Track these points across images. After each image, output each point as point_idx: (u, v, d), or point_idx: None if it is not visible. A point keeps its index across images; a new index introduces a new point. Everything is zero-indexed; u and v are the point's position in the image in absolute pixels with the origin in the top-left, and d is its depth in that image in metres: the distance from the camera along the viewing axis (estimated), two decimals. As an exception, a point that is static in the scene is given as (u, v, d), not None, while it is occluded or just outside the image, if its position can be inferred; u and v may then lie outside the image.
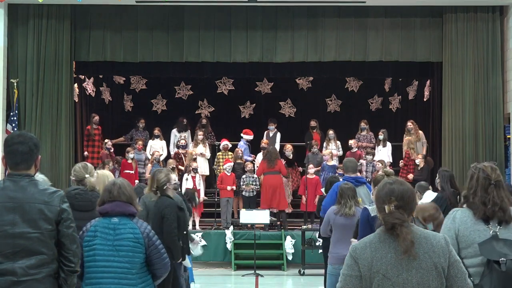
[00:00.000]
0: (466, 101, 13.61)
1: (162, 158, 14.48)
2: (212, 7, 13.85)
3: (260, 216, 12.65)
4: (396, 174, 9.21)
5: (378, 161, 13.61)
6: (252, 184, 13.65)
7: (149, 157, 14.37)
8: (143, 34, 13.88)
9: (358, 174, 9.99)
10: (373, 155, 13.98)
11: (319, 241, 10.77)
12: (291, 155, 14.51)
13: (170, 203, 6.55)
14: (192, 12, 13.89)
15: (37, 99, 13.59)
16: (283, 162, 13.98)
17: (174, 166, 13.51)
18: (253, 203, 13.54)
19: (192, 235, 8.55)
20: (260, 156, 14.42)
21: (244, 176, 13.76)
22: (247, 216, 12.61)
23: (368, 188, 7.68)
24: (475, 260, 3.55)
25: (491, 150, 13.49)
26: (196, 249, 9.06)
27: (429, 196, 7.19)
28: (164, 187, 6.47)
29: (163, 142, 14.96)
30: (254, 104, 18.78)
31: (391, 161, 14.22)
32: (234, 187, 13.69)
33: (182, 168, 14.11)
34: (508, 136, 13.46)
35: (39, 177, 4.47)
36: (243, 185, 13.70)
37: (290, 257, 12.75)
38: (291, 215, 14.52)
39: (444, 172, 7.34)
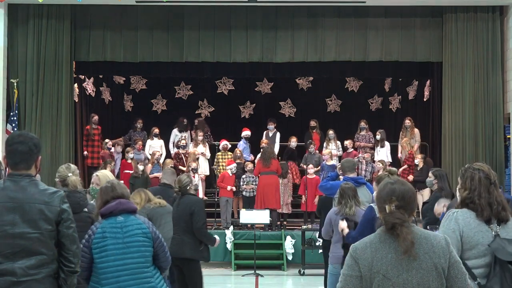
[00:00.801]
0: (466, 101, 13.61)
1: (162, 158, 14.46)
2: (212, 7, 13.85)
3: (260, 216, 12.65)
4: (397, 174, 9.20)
5: (378, 161, 13.60)
6: (252, 184, 13.65)
7: (149, 156, 14.37)
8: (143, 34, 13.88)
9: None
10: (371, 155, 13.94)
11: (319, 241, 10.77)
12: (296, 146, 14.60)
13: (197, 200, 6.99)
14: (192, 12, 13.89)
15: (37, 99, 13.59)
16: (290, 151, 14.22)
17: (173, 165, 13.51)
18: (253, 203, 13.53)
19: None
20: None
21: (244, 176, 13.76)
22: (247, 216, 12.60)
23: (368, 188, 7.67)
24: (479, 261, 3.55)
25: (491, 150, 13.50)
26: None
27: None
28: (188, 187, 6.82)
29: (161, 141, 14.96)
30: (254, 104, 18.79)
31: (391, 161, 14.22)
32: (234, 188, 13.68)
33: (182, 168, 14.12)
34: (508, 136, 13.46)
35: None
36: (243, 185, 13.70)
37: (290, 257, 12.75)
38: (291, 215, 14.51)
39: (441, 172, 7.34)
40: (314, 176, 13.65)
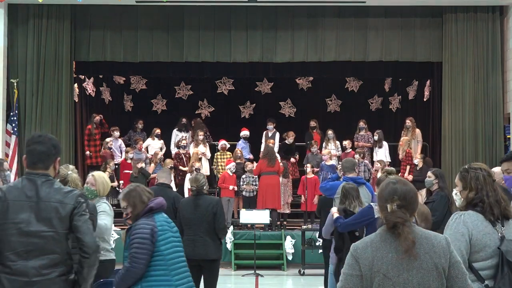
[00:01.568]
0: (466, 101, 13.61)
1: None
2: (212, 7, 13.85)
3: (260, 216, 12.65)
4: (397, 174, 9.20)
5: (377, 161, 13.61)
6: (252, 184, 13.65)
7: (149, 156, 14.40)
8: (143, 34, 13.88)
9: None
10: (364, 154, 13.89)
11: (319, 241, 10.77)
12: (292, 141, 14.61)
13: (218, 200, 7.05)
14: (192, 12, 13.90)
15: (37, 99, 13.60)
16: (285, 146, 14.30)
17: (173, 165, 13.53)
18: (253, 203, 13.53)
19: None
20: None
21: (244, 176, 13.76)
22: (247, 216, 12.60)
23: (368, 188, 7.67)
24: (485, 263, 3.55)
25: (491, 150, 13.50)
26: None
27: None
28: (204, 187, 6.89)
29: (161, 142, 14.96)
30: (254, 104, 18.79)
31: (390, 161, 14.22)
32: (236, 187, 13.69)
33: (183, 168, 14.12)
34: (508, 136, 13.46)
35: None
36: (243, 185, 13.70)
37: (290, 257, 12.74)
38: (291, 215, 14.51)
39: (440, 172, 7.36)
40: (313, 176, 13.65)
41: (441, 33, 13.89)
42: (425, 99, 16.02)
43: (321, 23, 13.95)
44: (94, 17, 13.89)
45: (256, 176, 13.72)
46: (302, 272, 12.09)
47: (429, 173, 7.31)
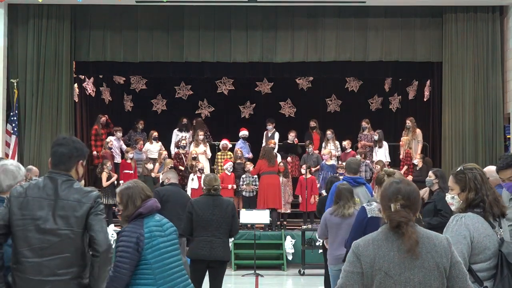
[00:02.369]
0: (466, 101, 13.61)
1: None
2: (212, 7, 13.85)
3: (260, 216, 12.64)
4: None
5: (377, 162, 13.59)
6: (252, 184, 13.65)
7: (149, 156, 14.42)
8: (143, 34, 13.88)
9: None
10: (365, 154, 13.90)
11: (319, 241, 10.77)
12: (294, 140, 14.69)
13: (233, 202, 7.09)
14: (192, 12, 13.89)
15: (37, 99, 13.59)
16: (286, 145, 14.35)
17: (173, 165, 13.51)
18: (253, 203, 13.54)
19: None
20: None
21: (244, 176, 13.76)
22: (247, 216, 12.60)
23: (367, 188, 7.68)
24: (484, 265, 3.55)
25: (491, 150, 13.50)
26: None
27: None
28: (219, 188, 6.87)
29: (159, 144, 14.92)
30: (254, 104, 18.79)
31: (389, 161, 14.23)
32: (235, 186, 13.69)
33: (182, 168, 14.11)
34: (508, 136, 13.46)
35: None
36: (243, 185, 13.70)
37: (290, 257, 12.74)
38: (291, 215, 14.51)
39: (441, 172, 7.36)
40: (310, 176, 13.64)
41: (441, 33, 13.89)
42: (425, 99, 16.02)
43: (321, 23, 13.94)
44: (94, 17, 13.89)
45: (256, 176, 13.73)
46: (302, 272, 12.09)
47: (431, 173, 7.33)
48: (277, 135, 15.14)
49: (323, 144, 14.82)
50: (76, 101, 15.02)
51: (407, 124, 14.36)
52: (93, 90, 16.57)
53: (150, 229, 4.14)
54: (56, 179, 3.64)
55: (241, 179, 13.76)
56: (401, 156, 14.28)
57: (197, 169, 13.49)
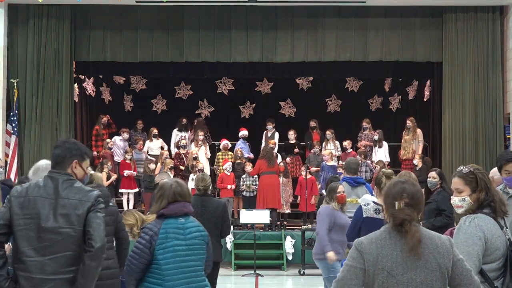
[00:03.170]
0: (466, 101, 13.61)
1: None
2: (212, 7, 13.85)
3: (260, 216, 12.65)
4: (395, 174, 9.19)
5: (377, 162, 13.59)
6: (252, 184, 13.65)
7: (149, 157, 14.42)
8: (143, 34, 13.88)
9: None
10: (366, 154, 13.89)
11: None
12: (294, 140, 14.74)
13: (224, 203, 7.00)
14: (192, 12, 13.89)
15: (37, 99, 13.60)
16: (287, 146, 14.44)
17: (173, 165, 13.51)
18: (253, 203, 13.53)
19: None
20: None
21: (244, 176, 13.76)
22: (247, 216, 12.60)
23: (367, 189, 7.67)
24: (493, 265, 3.54)
25: (491, 150, 13.50)
26: None
27: None
28: (209, 188, 6.86)
29: (160, 141, 14.96)
30: (254, 104, 18.78)
31: (389, 161, 14.22)
32: (234, 186, 13.69)
33: (183, 168, 14.11)
34: (508, 136, 13.46)
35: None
36: (243, 185, 13.70)
37: (290, 257, 12.74)
38: (291, 215, 14.51)
39: (442, 172, 7.37)
40: (310, 176, 13.64)
41: (441, 33, 13.89)
42: (425, 99, 16.01)
43: (321, 23, 13.94)
44: (94, 17, 13.89)
45: (256, 176, 13.73)
46: (302, 272, 12.09)
47: (434, 174, 7.28)
48: (277, 135, 15.14)
49: (323, 144, 14.82)
50: (76, 101, 15.02)
51: (407, 124, 14.36)
52: (93, 90, 16.58)
53: (166, 230, 4.16)
54: (57, 178, 3.67)
55: (241, 179, 13.76)
56: (405, 157, 14.22)
57: (197, 169, 13.49)
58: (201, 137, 14.62)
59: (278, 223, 13.76)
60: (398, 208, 2.90)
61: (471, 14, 13.74)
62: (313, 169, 14.00)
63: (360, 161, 13.65)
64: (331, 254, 6.68)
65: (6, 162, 13.10)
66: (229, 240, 12.78)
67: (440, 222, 6.85)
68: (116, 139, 14.58)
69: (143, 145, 14.65)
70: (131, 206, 13.45)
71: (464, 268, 2.92)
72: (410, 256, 2.83)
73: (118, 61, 14.18)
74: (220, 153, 14.62)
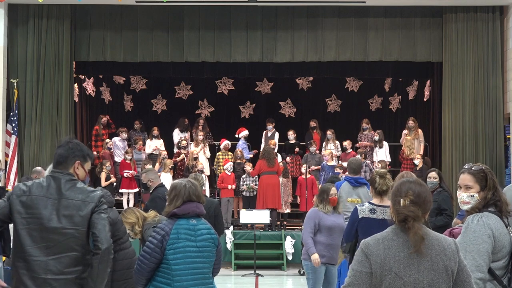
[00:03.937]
0: (466, 101, 13.61)
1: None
2: (212, 7, 13.85)
3: (260, 216, 12.65)
4: (395, 175, 9.21)
5: (378, 162, 13.60)
6: (253, 183, 13.65)
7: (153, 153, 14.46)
8: (143, 34, 13.88)
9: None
10: (365, 154, 13.89)
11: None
12: (294, 140, 14.76)
13: (217, 202, 7.02)
14: (192, 12, 13.89)
15: (37, 99, 13.59)
16: (287, 146, 14.42)
17: (173, 165, 13.51)
18: (253, 203, 13.54)
19: None
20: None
21: (244, 176, 13.76)
22: (247, 216, 12.61)
23: (369, 189, 7.67)
24: (499, 263, 3.55)
25: (491, 150, 13.50)
26: None
27: None
28: (203, 187, 6.84)
29: (161, 141, 14.96)
30: (254, 104, 18.79)
31: (390, 161, 14.23)
32: (234, 186, 13.69)
33: (183, 168, 14.12)
34: (508, 136, 13.46)
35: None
36: (243, 185, 13.70)
37: (290, 257, 12.75)
38: (291, 215, 14.52)
39: (440, 172, 7.39)
40: (309, 176, 13.64)
41: (441, 33, 13.89)
42: (425, 99, 16.02)
43: (321, 23, 13.94)
44: (94, 17, 13.88)
45: (256, 176, 13.73)
46: (302, 272, 12.08)
47: (434, 174, 7.29)
48: (277, 135, 15.15)
49: (323, 144, 14.83)
50: (76, 101, 15.01)
51: (409, 124, 14.36)
52: (93, 90, 16.57)
53: (178, 231, 4.17)
54: (59, 178, 3.68)
55: (241, 179, 13.77)
56: (410, 156, 14.21)
57: (197, 169, 13.49)
58: (200, 137, 14.62)
59: (278, 223, 13.76)
60: (402, 204, 2.90)
61: (471, 14, 13.74)
62: (313, 167, 14.00)
63: (360, 161, 13.67)
64: (315, 257, 6.71)
65: (6, 162, 13.09)
66: (229, 240, 12.79)
67: (441, 222, 6.86)
68: (115, 139, 14.58)
69: (143, 145, 14.64)
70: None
71: (468, 275, 2.92)
72: (416, 256, 2.81)
73: (118, 61, 14.17)
74: (220, 153, 14.63)
